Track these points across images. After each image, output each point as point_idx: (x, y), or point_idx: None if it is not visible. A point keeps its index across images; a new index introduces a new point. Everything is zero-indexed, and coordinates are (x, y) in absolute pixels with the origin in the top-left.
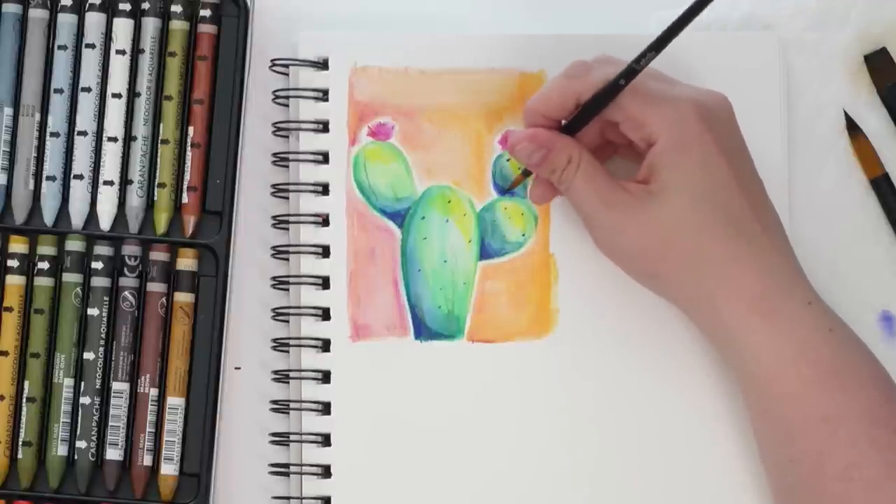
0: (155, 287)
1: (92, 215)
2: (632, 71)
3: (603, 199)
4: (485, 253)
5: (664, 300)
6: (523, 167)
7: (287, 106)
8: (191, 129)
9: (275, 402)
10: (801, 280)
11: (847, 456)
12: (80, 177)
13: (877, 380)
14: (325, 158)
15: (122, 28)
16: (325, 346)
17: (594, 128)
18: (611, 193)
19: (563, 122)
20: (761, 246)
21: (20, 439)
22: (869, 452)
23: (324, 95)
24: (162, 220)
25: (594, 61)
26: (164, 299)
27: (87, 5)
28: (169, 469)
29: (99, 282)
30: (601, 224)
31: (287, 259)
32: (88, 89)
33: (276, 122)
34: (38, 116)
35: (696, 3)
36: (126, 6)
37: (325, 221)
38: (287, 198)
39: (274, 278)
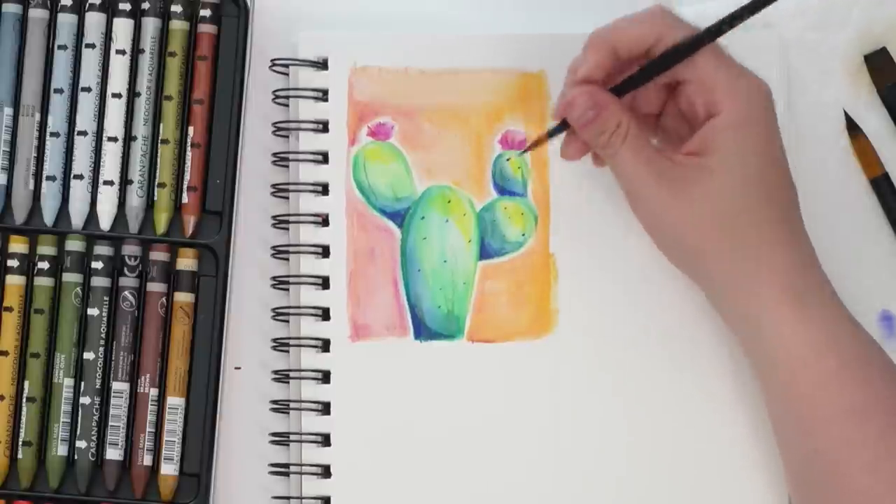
0: (155, 287)
1: (92, 215)
2: (717, 31)
3: (652, 170)
4: (485, 253)
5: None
6: (550, 129)
7: (287, 106)
8: (191, 129)
9: (275, 402)
10: (824, 273)
11: (875, 448)
12: (80, 177)
13: (894, 371)
14: (324, 158)
15: (122, 28)
16: (325, 346)
17: (644, 95)
18: (660, 164)
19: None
20: (799, 235)
21: (20, 439)
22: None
23: (324, 95)
24: (162, 220)
25: (666, 12)
26: (164, 299)
27: (87, 5)
28: (169, 469)
29: (99, 282)
30: (648, 196)
31: (287, 259)
32: (88, 89)
33: (276, 122)
34: (38, 116)
35: None
36: (126, 6)
37: (325, 221)
38: (287, 198)
39: (274, 278)
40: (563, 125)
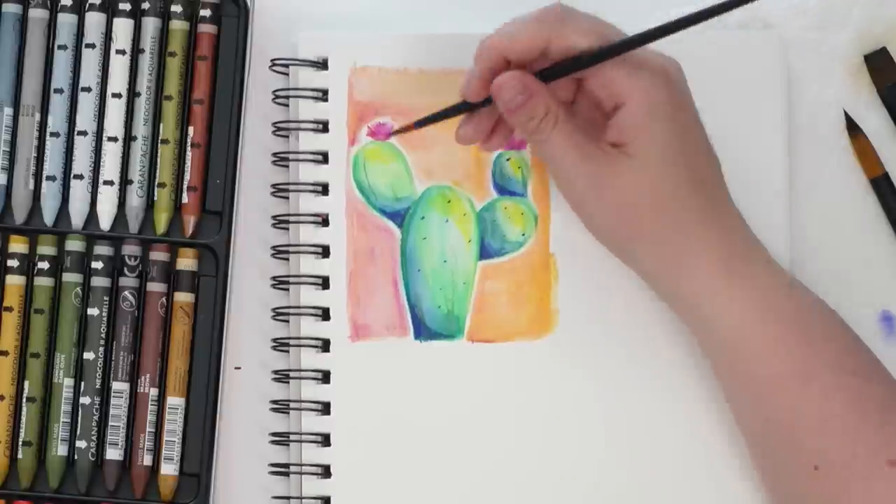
0: (155, 287)
1: (92, 215)
2: (627, 45)
3: (582, 155)
4: (485, 253)
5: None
6: (447, 109)
7: (287, 106)
8: (191, 129)
9: (275, 402)
10: (757, 241)
11: (821, 408)
12: (80, 177)
13: (840, 331)
14: (324, 158)
15: (122, 28)
16: (325, 346)
17: (562, 82)
18: (588, 150)
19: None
20: (724, 208)
21: (20, 439)
22: (842, 402)
23: (323, 95)
24: (162, 220)
25: (563, 10)
26: (164, 299)
27: (87, 5)
28: (169, 469)
29: (99, 282)
30: (579, 181)
31: (287, 259)
32: (88, 89)
33: (276, 122)
34: (38, 116)
35: (723, 4)
36: (126, 6)
37: (325, 221)
38: (287, 198)
39: (274, 278)
40: (464, 106)
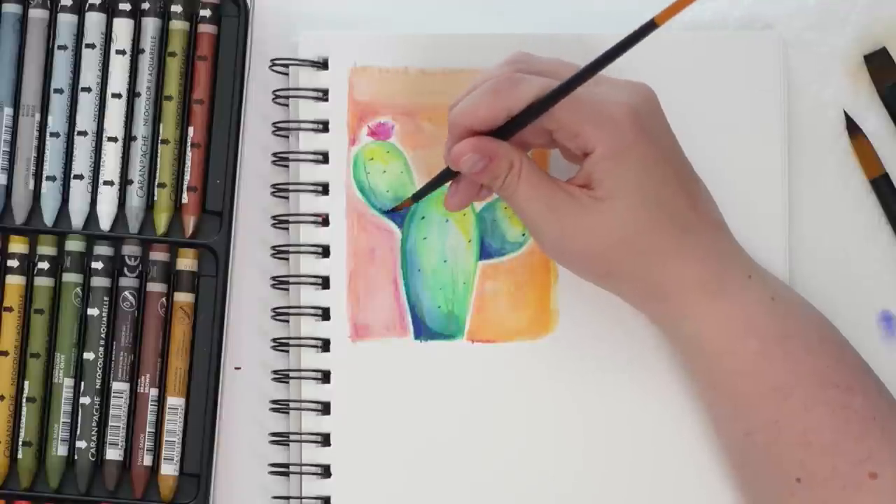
0: (155, 287)
1: (92, 215)
2: (566, 89)
3: (549, 205)
4: (485, 253)
5: None
6: (435, 178)
7: (287, 106)
8: (191, 129)
9: (275, 402)
10: (740, 255)
11: (802, 421)
12: (80, 177)
13: (825, 342)
14: (324, 158)
15: (122, 28)
16: (325, 345)
17: (529, 131)
18: (556, 199)
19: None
20: (699, 233)
21: (20, 439)
22: (823, 415)
23: (324, 95)
24: (162, 220)
25: (515, 66)
26: (164, 299)
27: (87, 5)
28: (169, 469)
29: (99, 282)
30: (548, 230)
31: (287, 259)
32: (88, 89)
33: (276, 122)
34: (38, 116)
35: (640, 30)
36: (126, 6)
37: (325, 221)
38: (287, 198)
39: (274, 278)
40: (450, 173)
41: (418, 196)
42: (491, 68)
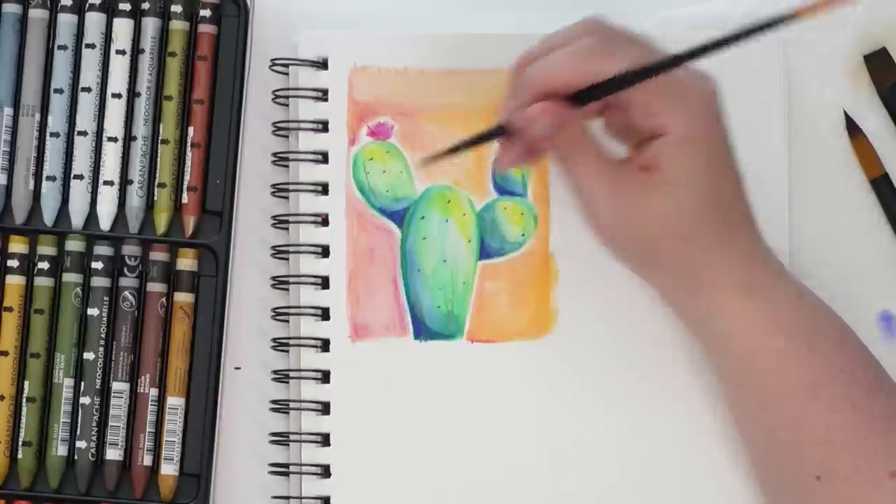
0: (155, 287)
1: (92, 215)
2: (665, 66)
3: (610, 184)
4: (484, 253)
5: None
6: (484, 133)
7: (287, 106)
8: (191, 129)
9: (275, 401)
10: (769, 252)
11: (825, 419)
12: (80, 177)
13: (848, 341)
14: (324, 158)
15: (122, 28)
16: (325, 345)
17: (593, 106)
18: (615, 178)
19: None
20: (743, 226)
21: (20, 439)
22: (848, 413)
23: (323, 95)
24: (162, 220)
25: (605, 40)
26: (164, 299)
27: (87, 5)
28: (169, 469)
29: (99, 282)
30: (605, 210)
31: (287, 259)
32: (88, 89)
33: (276, 122)
34: (38, 116)
35: (772, 20)
36: (126, 6)
37: (325, 221)
38: (287, 198)
39: (274, 278)
40: (498, 131)
41: (455, 150)
42: (563, 31)
